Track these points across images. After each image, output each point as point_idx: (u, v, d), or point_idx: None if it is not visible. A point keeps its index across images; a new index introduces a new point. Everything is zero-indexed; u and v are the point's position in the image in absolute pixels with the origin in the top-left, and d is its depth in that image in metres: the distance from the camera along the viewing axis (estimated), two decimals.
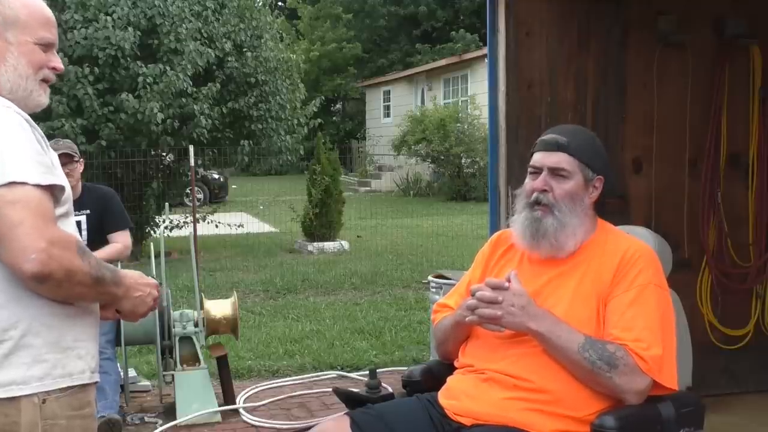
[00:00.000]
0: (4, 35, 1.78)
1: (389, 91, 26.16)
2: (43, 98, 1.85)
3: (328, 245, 11.21)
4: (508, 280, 2.23)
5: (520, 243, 2.36)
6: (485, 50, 5.30)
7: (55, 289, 1.66)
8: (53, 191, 1.69)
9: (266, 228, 13.85)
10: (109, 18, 9.22)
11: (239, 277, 9.20)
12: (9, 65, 1.78)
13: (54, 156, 1.79)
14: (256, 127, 10.81)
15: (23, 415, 1.66)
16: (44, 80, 1.85)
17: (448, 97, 22.36)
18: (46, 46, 1.84)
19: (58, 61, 1.88)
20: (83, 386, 1.78)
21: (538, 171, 2.33)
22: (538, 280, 2.31)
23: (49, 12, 1.87)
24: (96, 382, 1.84)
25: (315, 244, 11.21)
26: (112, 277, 1.77)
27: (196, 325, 4.55)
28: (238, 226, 11.65)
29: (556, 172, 2.29)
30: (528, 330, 2.18)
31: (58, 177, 1.72)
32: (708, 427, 2.32)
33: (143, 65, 9.32)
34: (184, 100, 9.61)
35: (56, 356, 1.71)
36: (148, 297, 1.87)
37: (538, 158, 2.33)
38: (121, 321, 3.98)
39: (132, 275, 1.86)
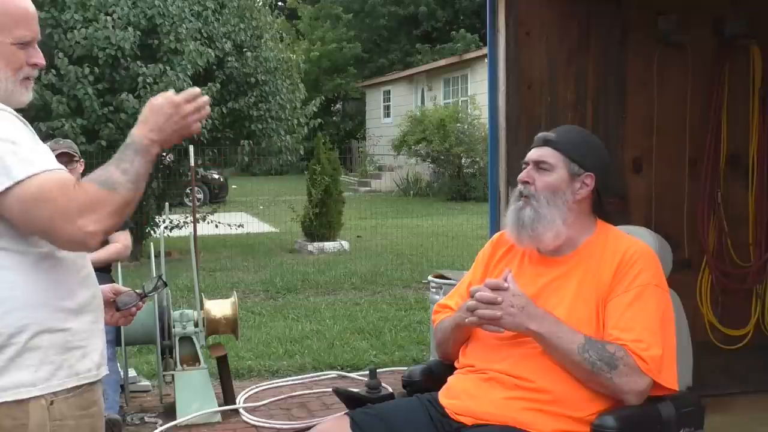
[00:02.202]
0: None
1: (389, 91, 26.16)
2: (24, 96, 1.80)
3: (328, 245, 11.21)
4: (505, 279, 2.24)
5: (508, 235, 2.40)
6: (485, 50, 5.31)
7: (118, 225, 1.71)
8: None
9: (266, 228, 13.85)
10: (109, 18, 9.22)
11: (239, 277, 9.20)
12: None
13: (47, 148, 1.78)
14: (256, 127, 10.82)
15: (31, 417, 1.66)
16: (26, 78, 1.79)
17: (448, 97, 22.36)
18: (24, 44, 1.76)
19: (38, 57, 1.80)
20: (91, 384, 1.77)
21: (527, 166, 2.38)
22: (539, 280, 2.32)
23: (26, 5, 1.77)
24: (102, 378, 1.83)
25: (315, 244, 11.20)
26: (140, 160, 1.70)
27: (196, 325, 4.55)
28: (238, 226, 11.65)
29: (539, 165, 2.34)
30: (527, 331, 2.18)
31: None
32: (708, 427, 2.32)
33: (143, 65, 9.32)
34: None
35: (63, 357, 1.71)
36: (183, 117, 1.78)
37: (528, 154, 2.39)
38: None
39: (151, 120, 1.75)
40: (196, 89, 1.85)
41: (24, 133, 1.69)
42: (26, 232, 1.66)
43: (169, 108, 1.76)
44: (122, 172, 1.67)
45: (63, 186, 1.63)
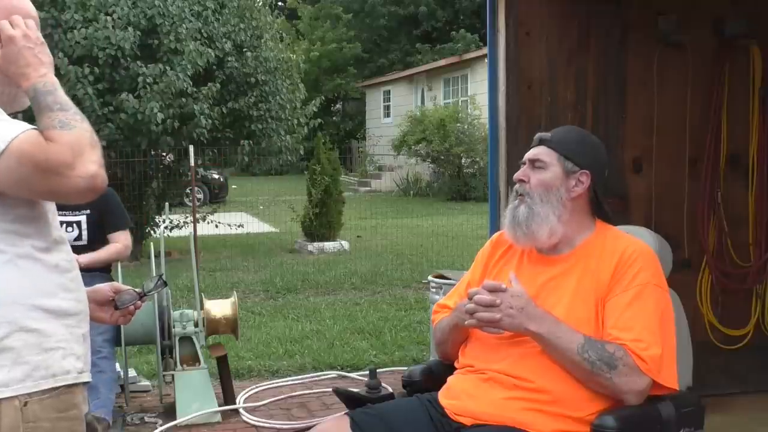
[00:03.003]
0: None
1: (389, 91, 26.16)
2: (26, 99, 1.79)
3: (328, 245, 11.21)
4: (510, 282, 2.24)
5: (506, 235, 2.41)
6: (485, 50, 5.31)
7: (99, 147, 1.65)
8: None
9: (266, 228, 13.85)
10: (109, 18, 9.22)
11: (239, 277, 9.20)
12: None
13: None
14: (256, 127, 10.82)
15: (3, 418, 1.62)
16: None
17: (448, 97, 22.36)
18: None
19: None
20: (69, 387, 1.73)
21: (524, 166, 2.41)
22: (538, 279, 2.32)
23: (30, 8, 1.79)
24: (86, 383, 1.78)
25: (315, 244, 11.20)
26: (57, 94, 1.68)
27: (196, 325, 4.55)
28: (238, 226, 11.65)
29: (534, 163, 2.36)
30: (527, 332, 2.18)
31: None
32: (708, 427, 2.32)
33: (143, 65, 9.32)
34: (184, 100, 9.61)
35: (38, 357, 1.67)
36: (23, 38, 1.71)
37: (526, 154, 2.41)
38: None
39: (17, 67, 1.70)
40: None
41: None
42: (34, 197, 1.66)
43: (14, 46, 1.71)
44: (62, 110, 1.64)
45: (37, 144, 1.59)
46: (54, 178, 1.58)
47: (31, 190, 1.63)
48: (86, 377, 1.78)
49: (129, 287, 2.05)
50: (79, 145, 1.60)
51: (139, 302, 2.02)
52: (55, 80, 1.71)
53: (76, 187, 1.59)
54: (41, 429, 1.67)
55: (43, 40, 1.76)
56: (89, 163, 1.60)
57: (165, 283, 2.11)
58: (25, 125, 1.63)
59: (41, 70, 1.71)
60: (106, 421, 3.98)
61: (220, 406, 4.51)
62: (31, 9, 1.80)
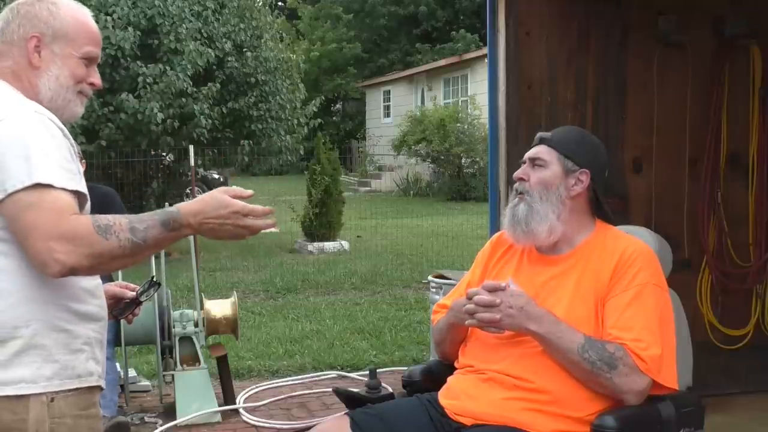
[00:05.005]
0: (51, 46, 1.83)
1: (389, 91, 26.15)
2: (79, 108, 1.89)
3: (328, 245, 11.21)
4: (508, 285, 2.24)
5: (506, 234, 2.41)
6: (485, 50, 5.31)
7: (93, 272, 1.70)
8: (78, 198, 1.70)
9: None
10: (109, 18, 9.23)
11: (239, 277, 9.20)
12: (52, 75, 1.83)
13: (80, 167, 1.81)
14: (256, 127, 10.82)
15: (31, 412, 1.69)
16: (81, 93, 1.88)
17: (448, 97, 22.36)
18: (89, 61, 1.89)
19: (97, 78, 1.91)
20: (89, 388, 1.81)
21: (524, 165, 2.42)
22: (537, 279, 2.32)
23: (96, 28, 1.93)
24: (102, 388, 1.86)
25: (315, 244, 11.20)
26: (161, 231, 1.69)
27: (196, 325, 4.55)
28: None
29: (534, 162, 2.37)
30: (527, 331, 2.18)
31: (82, 185, 1.74)
32: (708, 427, 2.32)
33: (143, 65, 9.32)
34: (184, 100, 9.61)
35: (67, 358, 1.74)
36: (235, 226, 1.74)
37: (526, 153, 2.42)
38: (121, 321, 3.97)
39: (203, 207, 1.72)
40: (268, 210, 1.78)
41: (60, 146, 1.71)
42: (11, 230, 1.67)
43: (228, 211, 1.73)
44: (130, 230, 1.66)
45: (61, 208, 1.63)
46: (34, 233, 1.61)
47: (16, 222, 1.64)
48: (103, 383, 1.86)
49: (122, 284, 2.08)
50: (80, 240, 1.61)
51: (136, 310, 2.07)
52: (183, 227, 1.71)
53: (37, 253, 1.61)
54: (65, 425, 1.74)
55: (245, 225, 1.75)
56: (66, 252, 1.60)
57: (158, 284, 2.11)
58: (73, 188, 1.65)
59: (193, 219, 1.71)
60: (127, 424, 4.01)
61: (220, 406, 4.51)
62: (99, 32, 1.97)
